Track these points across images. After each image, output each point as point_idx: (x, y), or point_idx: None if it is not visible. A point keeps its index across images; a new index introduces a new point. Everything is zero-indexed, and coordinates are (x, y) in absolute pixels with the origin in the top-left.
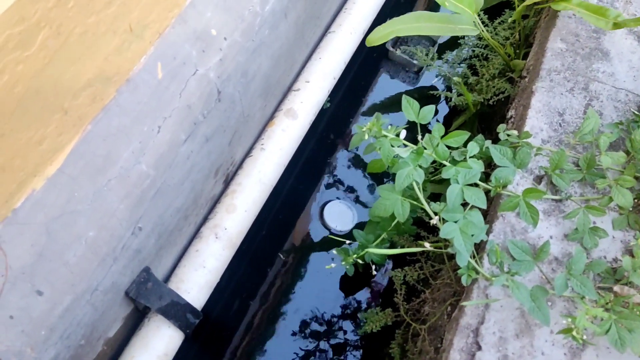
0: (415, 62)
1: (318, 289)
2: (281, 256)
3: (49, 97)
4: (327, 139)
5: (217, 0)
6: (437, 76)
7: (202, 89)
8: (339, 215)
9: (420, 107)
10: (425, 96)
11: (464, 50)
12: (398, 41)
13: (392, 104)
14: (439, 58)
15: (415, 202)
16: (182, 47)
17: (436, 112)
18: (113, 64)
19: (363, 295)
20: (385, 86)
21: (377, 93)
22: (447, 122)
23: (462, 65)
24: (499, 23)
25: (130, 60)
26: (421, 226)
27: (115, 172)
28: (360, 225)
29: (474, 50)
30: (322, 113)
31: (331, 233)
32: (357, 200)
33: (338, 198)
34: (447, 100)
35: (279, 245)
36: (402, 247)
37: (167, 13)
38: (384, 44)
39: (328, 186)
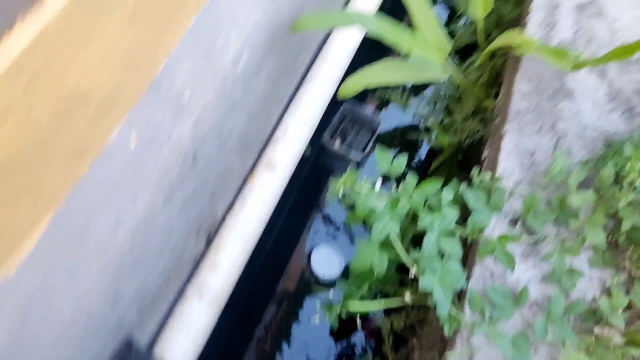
0: (352, 156)
1: (309, 337)
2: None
3: (19, 175)
4: (311, 184)
5: (190, 64)
6: (414, 116)
7: (177, 153)
8: (326, 260)
9: (399, 147)
10: (405, 135)
11: (439, 91)
12: (336, 132)
13: (382, 140)
14: (415, 96)
15: (395, 252)
16: (156, 112)
17: (418, 149)
18: (86, 138)
19: (354, 340)
20: None
21: None
22: (428, 160)
23: (437, 105)
24: (469, 65)
25: (103, 131)
26: (406, 271)
27: (92, 245)
28: (347, 269)
29: (446, 92)
30: (305, 160)
31: (318, 281)
32: (343, 241)
33: (325, 241)
34: (428, 140)
35: (267, 299)
36: (387, 293)
37: (140, 81)
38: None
39: (314, 232)
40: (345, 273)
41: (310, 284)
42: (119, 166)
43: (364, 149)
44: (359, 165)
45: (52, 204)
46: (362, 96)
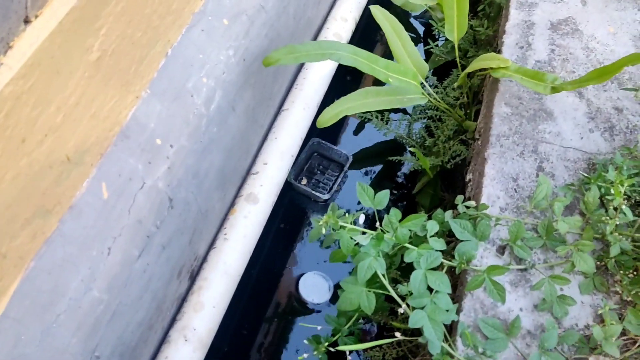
0: (318, 195)
1: None
2: None
3: None
4: (292, 212)
5: (160, 110)
6: (394, 139)
7: (151, 200)
8: (314, 287)
9: (382, 164)
10: (387, 154)
11: (419, 112)
12: (302, 170)
13: (364, 158)
14: (396, 114)
15: (381, 291)
16: (127, 162)
17: (401, 168)
18: (52, 196)
19: None
20: (351, 143)
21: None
22: (412, 179)
23: (417, 127)
24: (448, 84)
25: (71, 187)
26: (395, 301)
27: (64, 305)
28: (336, 296)
29: (427, 112)
30: (287, 187)
31: (307, 308)
32: (331, 267)
33: (313, 267)
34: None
35: (254, 334)
36: (378, 322)
37: (107, 133)
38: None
39: (301, 259)
40: (335, 298)
41: (298, 311)
42: (90, 219)
43: (330, 189)
44: (327, 202)
45: (21, 264)
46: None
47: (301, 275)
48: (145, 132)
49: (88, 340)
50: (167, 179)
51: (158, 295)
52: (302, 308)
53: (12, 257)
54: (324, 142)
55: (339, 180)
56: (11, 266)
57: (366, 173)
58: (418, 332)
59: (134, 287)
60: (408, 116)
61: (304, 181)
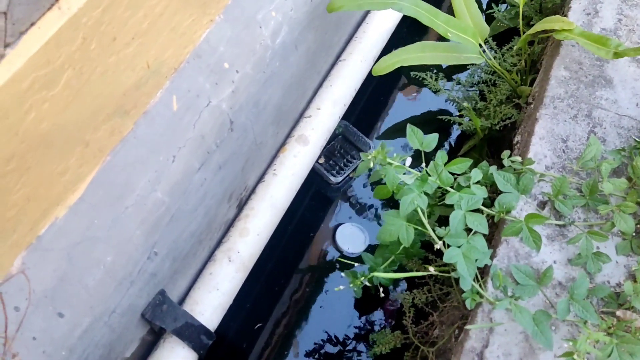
0: (330, 177)
1: (331, 310)
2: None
3: (71, 131)
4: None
5: (230, 35)
6: (446, 101)
7: (215, 119)
8: (351, 237)
9: (429, 131)
10: (437, 120)
11: (474, 76)
12: (321, 151)
13: (413, 124)
14: (449, 80)
15: (420, 228)
16: (196, 80)
17: (449, 134)
18: (131, 99)
19: (376, 315)
20: (400, 109)
21: (392, 117)
22: (459, 145)
23: (471, 89)
24: (507, 50)
25: (147, 94)
26: (430, 249)
27: (133, 199)
28: (372, 248)
29: (482, 76)
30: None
31: (343, 255)
32: (369, 222)
33: (350, 218)
34: (459, 123)
35: (292, 268)
36: (411, 270)
37: (183, 49)
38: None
39: (341, 209)
40: (370, 250)
41: (333, 258)
42: (160, 127)
43: (344, 174)
44: (338, 185)
45: (99, 156)
46: (395, 79)
47: (339, 224)
48: (215, 55)
49: (149, 236)
50: (231, 102)
51: (210, 212)
52: (337, 254)
53: (92, 148)
54: (351, 126)
55: (356, 167)
56: (91, 156)
57: None
58: (449, 282)
59: (191, 198)
60: (461, 80)
61: (322, 160)
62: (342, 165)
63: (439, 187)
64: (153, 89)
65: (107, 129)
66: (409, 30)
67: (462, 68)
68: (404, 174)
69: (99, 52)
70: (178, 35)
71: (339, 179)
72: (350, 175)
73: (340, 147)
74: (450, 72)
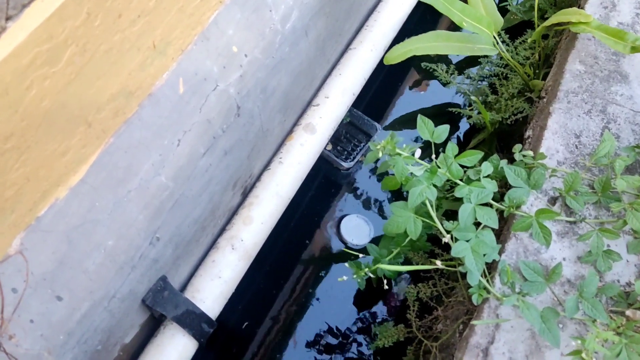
0: (340, 162)
1: (334, 301)
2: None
3: (74, 110)
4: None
5: (239, 18)
6: (456, 93)
7: (222, 104)
8: (356, 229)
9: (438, 124)
10: (446, 113)
11: (484, 68)
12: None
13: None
14: (460, 74)
15: (428, 221)
16: (204, 63)
17: (457, 128)
18: (136, 80)
19: (378, 308)
20: (408, 101)
21: (399, 107)
22: (467, 139)
23: (481, 83)
24: (520, 43)
25: (152, 75)
26: (436, 243)
27: (135, 183)
28: (376, 240)
29: (493, 69)
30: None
31: (347, 247)
32: (374, 214)
33: (355, 209)
34: (469, 117)
35: (295, 258)
36: (417, 263)
37: (190, 31)
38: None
39: (346, 200)
40: (374, 243)
41: (338, 249)
42: (165, 110)
43: (354, 158)
44: (348, 170)
45: (102, 137)
46: (405, 69)
47: (344, 216)
48: (224, 38)
49: (152, 220)
50: (238, 87)
51: (214, 199)
52: (342, 245)
53: (95, 128)
54: (355, 110)
55: (365, 150)
56: (94, 137)
57: None
58: (455, 277)
59: (196, 183)
60: (472, 73)
61: (329, 146)
62: (349, 150)
63: (448, 180)
64: (159, 70)
65: (111, 109)
66: (418, 21)
67: (473, 63)
68: (413, 165)
69: (103, 29)
70: (186, 15)
71: (351, 164)
72: (360, 159)
73: (346, 132)
74: (461, 67)
